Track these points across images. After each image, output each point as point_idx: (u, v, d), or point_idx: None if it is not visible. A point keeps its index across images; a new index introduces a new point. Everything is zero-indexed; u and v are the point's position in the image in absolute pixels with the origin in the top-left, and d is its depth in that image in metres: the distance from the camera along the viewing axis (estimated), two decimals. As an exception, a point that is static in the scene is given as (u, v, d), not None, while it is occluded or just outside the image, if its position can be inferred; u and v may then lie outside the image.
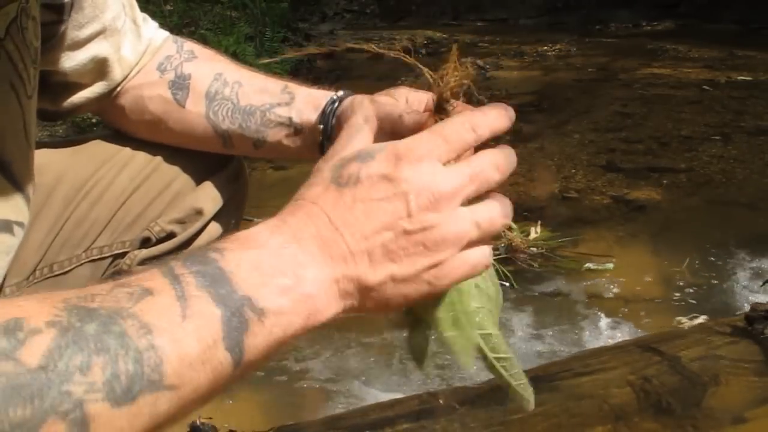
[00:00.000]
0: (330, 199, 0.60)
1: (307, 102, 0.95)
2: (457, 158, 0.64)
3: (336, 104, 0.92)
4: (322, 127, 0.92)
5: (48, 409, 0.44)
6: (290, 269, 0.56)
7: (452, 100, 0.69)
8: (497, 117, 0.64)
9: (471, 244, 0.62)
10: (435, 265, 0.60)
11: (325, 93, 0.95)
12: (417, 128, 0.69)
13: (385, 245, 0.59)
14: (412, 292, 0.60)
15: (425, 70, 0.71)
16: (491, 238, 0.64)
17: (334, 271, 0.58)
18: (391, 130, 0.79)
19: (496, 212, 0.63)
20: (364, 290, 0.59)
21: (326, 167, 0.63)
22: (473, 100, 0.72)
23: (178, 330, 0.50)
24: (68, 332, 0.47)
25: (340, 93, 0.94)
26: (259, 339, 0.53)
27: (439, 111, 0.70)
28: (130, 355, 0.48)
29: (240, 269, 0.54)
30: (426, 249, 0.59)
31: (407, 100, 0.82)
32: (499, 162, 0.63)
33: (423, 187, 0.59)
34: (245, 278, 0.54)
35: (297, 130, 0.95)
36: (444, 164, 0.62)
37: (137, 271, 0.52)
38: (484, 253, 0.63)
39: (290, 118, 0.95)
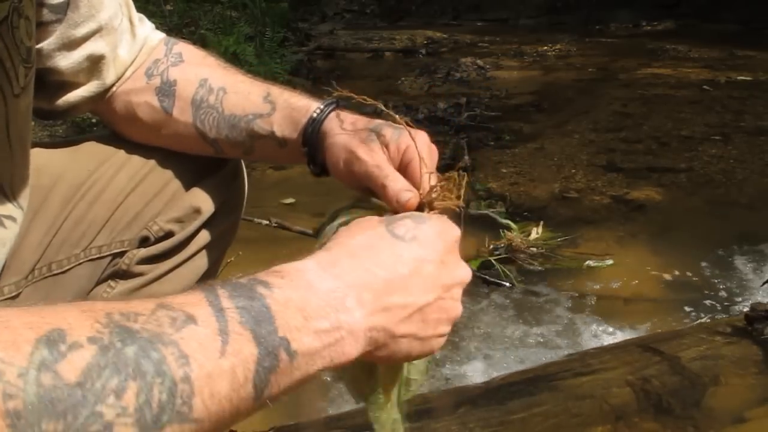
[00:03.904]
0: (386, 247, 0.65)
1: (285, 116, 0.93)
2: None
3: (317, 123, 0.90)
4: (306, 149, 0.91)
5: (79, 427, 0.44)
6: (333, 313, 0.59)
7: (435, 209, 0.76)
8: None
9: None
10: (443, 334, 0.69)
11: (305, 106, 0.92)
12: (396, 208, 0.76)
13: (422, 309, 0.65)
14: (417, 351, 0.67)
15: (429, 173, 0.77)
16: None
17: (372, 320, 0.61)
18: (366, 187, 0.82)
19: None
20: (388, 341, 0.63)
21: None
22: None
23: (215, 367, 0.51)
24: (108, 352, 0.47)
25: (320, 109, 0.91)
26: (283, 378, 0.55)
27: (420, 208, 0.76)
28: (165, 385, 0.48)
29: (286, 309, 0.56)
30: (447, 320, 0.68)
31: (388, 148, 0.82)
32: None
33: (459, 274, 0.70)
34: (288, 319, 0.56)
35: (281, 143, 0.94)
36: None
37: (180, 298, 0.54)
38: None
39: (273, 132, 0.94)
